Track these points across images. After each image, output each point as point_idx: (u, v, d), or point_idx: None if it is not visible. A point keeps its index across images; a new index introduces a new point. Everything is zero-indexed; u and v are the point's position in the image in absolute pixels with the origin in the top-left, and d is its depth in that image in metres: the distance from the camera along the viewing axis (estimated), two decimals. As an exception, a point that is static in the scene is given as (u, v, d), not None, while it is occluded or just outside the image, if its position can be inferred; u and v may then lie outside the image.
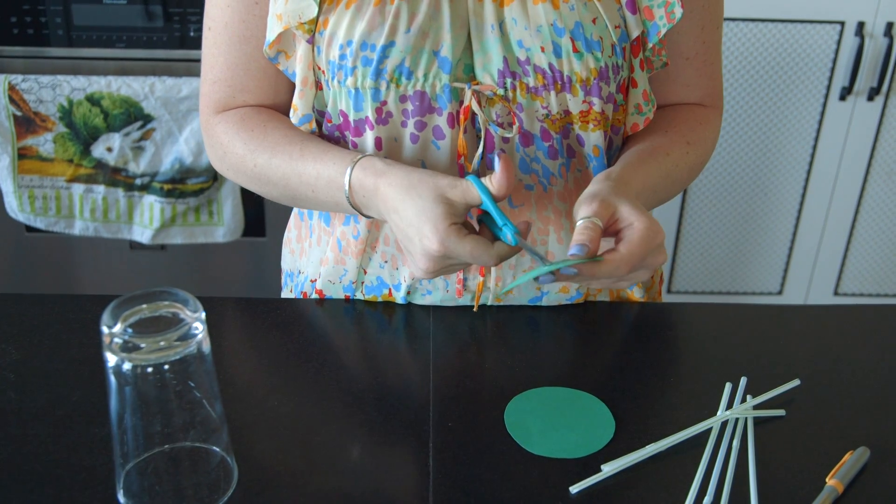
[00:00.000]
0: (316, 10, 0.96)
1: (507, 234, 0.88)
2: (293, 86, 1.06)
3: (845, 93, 2.22)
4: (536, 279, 0.87)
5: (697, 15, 1.03)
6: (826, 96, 2.24)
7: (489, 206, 0.89)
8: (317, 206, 1.02)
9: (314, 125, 1.05)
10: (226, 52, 1.04)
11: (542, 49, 0.95)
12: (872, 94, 2.22)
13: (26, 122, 2.00)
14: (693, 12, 1.02)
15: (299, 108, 1.03)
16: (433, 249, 0.87)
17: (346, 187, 0.95)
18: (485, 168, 1.01)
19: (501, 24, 0.95)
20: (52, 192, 2.08)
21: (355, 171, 0.94)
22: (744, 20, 2.15)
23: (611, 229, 0.90)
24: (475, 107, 0.97)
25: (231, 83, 1.05)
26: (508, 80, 0.97)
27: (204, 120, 1.09)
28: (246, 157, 1.03)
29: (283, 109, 1.08)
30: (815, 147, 2.31)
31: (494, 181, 0.89)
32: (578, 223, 0.88)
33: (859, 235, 2.44)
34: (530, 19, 0.95)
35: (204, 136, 1.10)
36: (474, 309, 1.08)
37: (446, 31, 0.95)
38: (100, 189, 2.08)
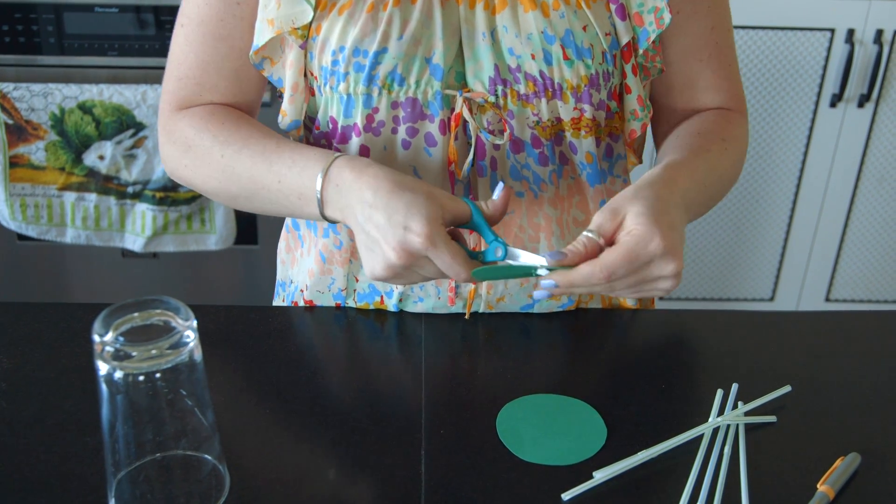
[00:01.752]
0: (311, 15, 0.96)
1: (498, 248, 0.88)
2: (260, 89, 1.06)
3: (836, 99, 2.23)
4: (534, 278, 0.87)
5: (704, 16, 1.03)
6: (816, 103, 2.25)
7: (481, 225, 0.89)
8: (277, 201, 0.98)
9: (303, 131, 1.05)
10: (198, 50, 1.02)
11: (533, 56, 0.96)
12: (863, 101, 2.23)
13: (18, 131, 2.00)
14: (699, 14, 1.02)
15: (289, 113, 1.03)
16: (417, 244, 0.85)
17: (321, 177, 0.92)
18: (475, 175, 1.01)
19: (493, 32, 0.96)
20: (43, 200, 2.08)
21: (337, 162, 0.92)
22: (735, 27, 2.15)
23: (616, 237, 0.88)
24: (466, 114, 0.97)
25: (200, 81, 1.03)
26: (499, 88, 0.97)
27: (164, 119, 1.05)
28: (213, 148, 1.00)
29: (247, 111, 1.06)
30: (805, 153, 2.32)
31: (491, 206, 0.89)
32: (582, 235, 0.87)
33: (850, 242, 2.44)
34: (521, 27, 0.95)
35: (161, 135, 1.06)
36: (466, 316, 1.08)
37: (438, 39, 0.95)
38: (91, 197, 2.08)
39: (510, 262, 0.89)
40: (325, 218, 0.94)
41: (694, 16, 1.02)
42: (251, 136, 0.99)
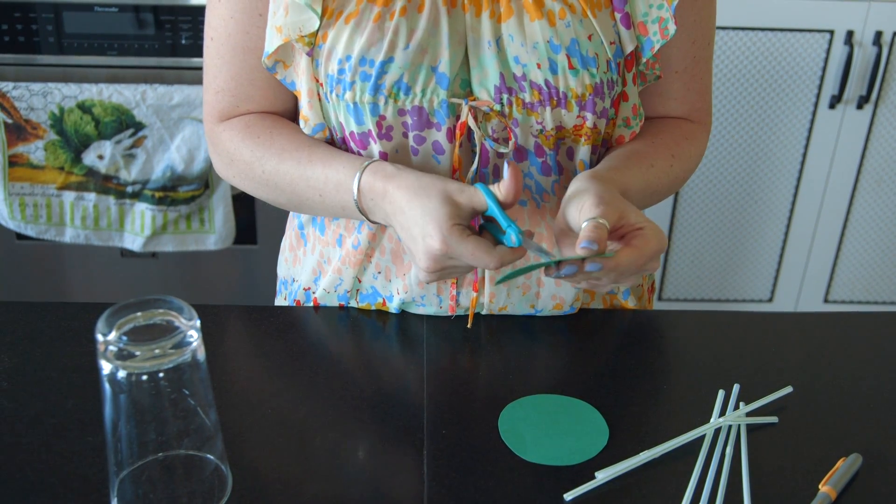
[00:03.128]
0: (317, 23, 0.96)
1: (512, 236, 0.88)
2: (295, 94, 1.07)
3: (835, 101, 2.23)
4: (554, 268, 0.87)
5: (688, 30, 1.04)
6: (816, 104, 2.25)
7: (495, 211, 0.89)
8: (323, 210, 1.02)
9: (327, 133, 1.05)
10: (229, 63, 1.04)
11: (539, 65, 0.96)
12: (861, 103, 2.23)
13: (17, 130, 1.99)
14: (684, 27, 1.03)
15: (310, 118, 1.03)
16: (435, 248, 0.88)
17: (356, 191, 0.96)
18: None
19: (498, 41, 0.96)
20: (42, 199, 2.08)
21: (365, 175, 0.95)
22: (734, 29, 2.16)
23: (618, 233, 0.90)
24: (471, 122, 0.97)
25: (235, 93, 1.05)
26: (505, 96, 0.97)
27: (208, 129, 1.09)
28: (253, 163, 1.03)
29: (287, 116, 1.08)
30: (804, 155, 2.32)
31: (503, 188, 0.89)
32: (586, 223, 0.87)
33: (849, 243, 2.45)
34: (527, 36, 0.95)
35: (208, 145, 1.10)
36: (468, 325, 1.07)
37: (444, 48, 0.95)
38: (91, 197, 2.07)
39: (534, 251, 0.89)
40: (373, 223, 0.99)
41: (678, 29, 1.02)
42: (284, 148, 1.02)
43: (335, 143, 1.05)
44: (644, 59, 1.01)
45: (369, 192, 0.95)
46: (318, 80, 1.01)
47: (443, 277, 0.92)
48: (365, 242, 1.06)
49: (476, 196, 0.90)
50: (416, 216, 0.89)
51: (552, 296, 1.08)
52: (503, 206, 0.89)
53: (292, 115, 1.08)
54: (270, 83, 1.05)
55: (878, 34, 2.16)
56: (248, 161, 1.04)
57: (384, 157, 1.00)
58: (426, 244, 0.89)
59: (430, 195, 0.90)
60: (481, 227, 0.93)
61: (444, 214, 0.88)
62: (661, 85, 1.08)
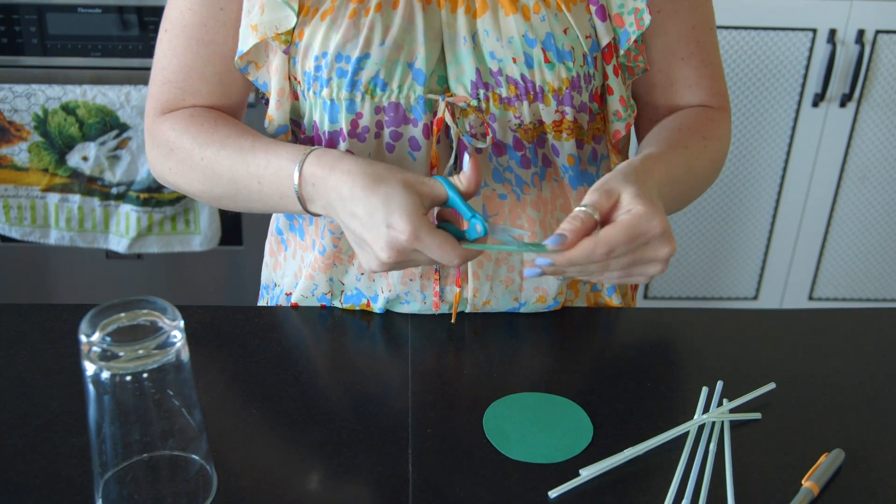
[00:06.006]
0: (294, 20, 0.96)
1: (477, 225, 0.86)
2: (245, 92, 1.06)
3: (818, 99, 2.24)
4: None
5: (685, 15, 1.03)
6: (799, 103, 2.26)
7: (457, 201, 0.87)
8: (260, 200, 0.98)
9: (290, 136, 1.04)
10: (181, 55, 1.02)
11: (514, 60, 0.96)
12: (844, 101, 2.24)
13: (0, 132, 1.99)
14: (680, 13, 1.02)
15: (275, 118, 1.02)
16: (402, 240, 0.84)
17: (297, 175, 0.92)
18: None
19: (474, 36, 0.96)
20: (27, 201, 2.07)
21: (309, 159, 0.92)
22: (718, 28, 2.16)
23: (611, 217, 0.88)
24: (448, 118, 0.97)
25: (182, 86, 1.04)
26: (481, 92, 0.97)
27: (149, 123, 1.06)
28: (193, 150, 1.00)
29: (231, 114, 1.06)
30: (788, 153, 2.33)
31: (464, 179, 0.87)
32: (574, 210, 0.87)
33: (833, 240, 2.46)
34: (502, 31, 0.95)
35: (146, 139, 1.07)
36: (452, 321, 1.08)
37: (420, 44, 0.95)
38: (75, 198, 2.07)
39: (500, 240, 0.88)
40: (311, 214, 0.95)
41: (674, 15, 1.02)
42: (228, 136, 0.99)
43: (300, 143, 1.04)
44: (622, 51, 1.01)
45: (311, 177, 0.91)
46: (295, 79, 1.01)
47: (397, 269, 0.89)
48: (330, 247, 1.06)
49: (437, 187, 0.87)
50: (377, 204, 0.85)
51: (535, 288, 1.08)
52: (464, 196, 0.88)
53: (237, 113, 1.07)
54: (222, 79, 1.03)
55: (861, 32, 2.17)
56: (188, 148, 1.00)
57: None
58: (391, 235, 0.85)
59: (389, 182, 0.86)
60: (437, 226, 0.90)
61: (411, 204, 0.85)
62: (671, 74, 1.07)
